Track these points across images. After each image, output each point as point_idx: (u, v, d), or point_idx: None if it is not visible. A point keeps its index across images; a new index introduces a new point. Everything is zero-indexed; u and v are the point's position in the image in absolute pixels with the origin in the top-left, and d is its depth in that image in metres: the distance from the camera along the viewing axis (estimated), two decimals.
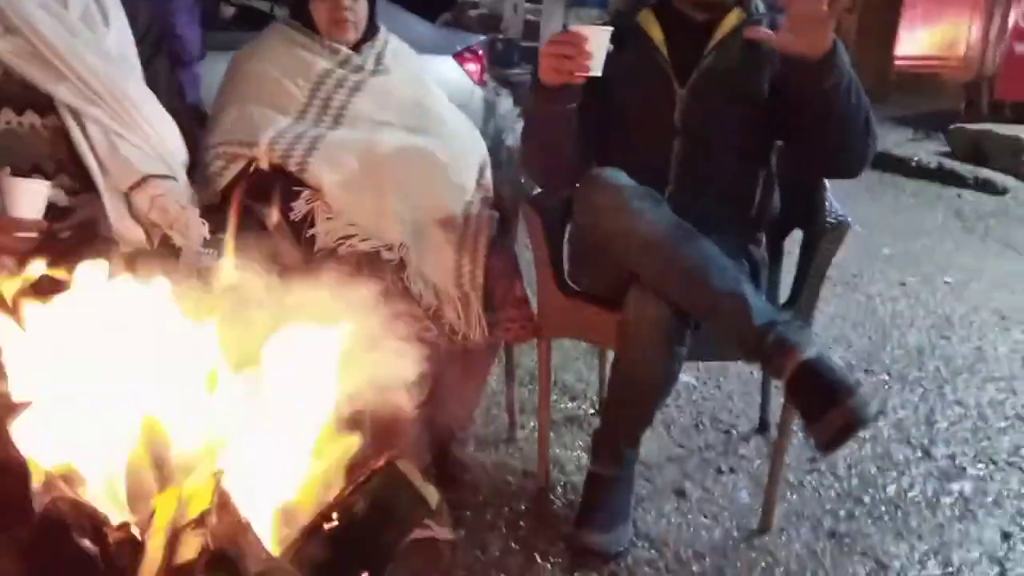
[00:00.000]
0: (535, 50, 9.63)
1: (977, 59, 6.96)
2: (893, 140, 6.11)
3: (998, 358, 2.91)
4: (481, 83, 4.97)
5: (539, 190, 1.95)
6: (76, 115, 1.67)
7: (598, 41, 1.52)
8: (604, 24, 1.60)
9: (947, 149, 5.71)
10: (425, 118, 2.06)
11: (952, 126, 5.71)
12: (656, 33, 1.78)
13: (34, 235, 1.54)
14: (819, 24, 1.47)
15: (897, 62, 8.13)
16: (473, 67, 4.88)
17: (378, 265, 1.79)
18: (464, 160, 2.05)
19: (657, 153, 1.76)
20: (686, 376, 2.61)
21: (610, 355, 1.88)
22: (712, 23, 1.77)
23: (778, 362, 1.50)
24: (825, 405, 1.45)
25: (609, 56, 1.55)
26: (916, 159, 5.56)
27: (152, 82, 1.82)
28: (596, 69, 1.54)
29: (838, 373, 1.48)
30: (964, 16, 7.44)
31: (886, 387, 2.66)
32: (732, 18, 1.76)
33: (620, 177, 1.64)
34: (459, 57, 4.81)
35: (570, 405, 2.46)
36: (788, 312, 1.58)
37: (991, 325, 3.22)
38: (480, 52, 4.96)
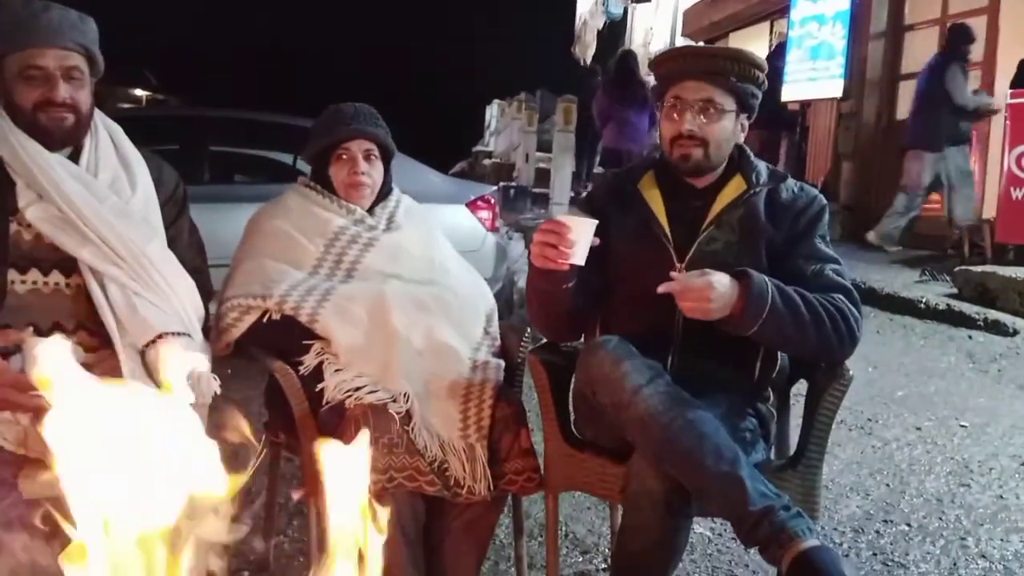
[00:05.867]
0: (546, 196, 9.92)
1: (978, 203, 7.13)
2: (901, 282, 6.17)
3: (1021, 507, 2.83)
4: (493, 229, 5.14)
5: (544, 340, 1.99)
6: (98, 275, 1.74)
7: (581, 232, 1.61)
8: (591, 212, 1.69)
9: (954, 290, 5.75)
10: (433, 270, 2.13)
11: (958, 268, 5.77)
12: (656, 203, 1.84)
13: None
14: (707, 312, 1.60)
15: None
16: (485, 215, 5.07)
17: (384, 418, 1.80)
18: (470, 309, 2.11)
19: (661, 318, 1.79)
20: (701, 528, 2.55)
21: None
22: (713, 188, 1.84)
23: (774, 551, 1.47)
24: None
25: (611, 221, 1.62)
26: (924, 300, 5.59)
27: (174, 241, 1.91)
28: (578, 258, 1.62)
29: (836, 566, 1.42)
30: None
31: (906, 538, 2.59)
32: (732, 188, 1.83)
33: (620, 348, 1.66)
34: (472, 205, 5.00)
35: (581, 559, 2.39)
36: (786, 495, 1.55)
37: (1011, 472, 3.15)
38: (492, 200, 5.15)
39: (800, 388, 1.99)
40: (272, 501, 2.29)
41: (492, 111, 18.74)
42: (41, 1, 1.73)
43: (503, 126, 16.69)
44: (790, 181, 1.87)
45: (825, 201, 1.87)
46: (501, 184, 12.42)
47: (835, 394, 1.72)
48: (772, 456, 1.90)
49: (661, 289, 1.62)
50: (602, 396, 1.64)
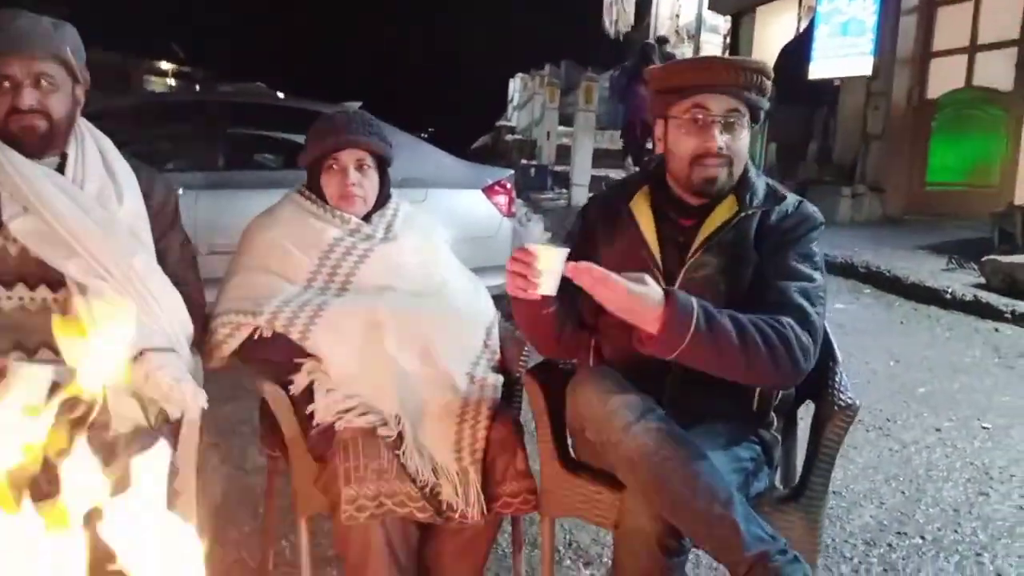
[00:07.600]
0: (567, 175, 9.90)
1: (1009, 188, 6.93)
2: (927, 270, 6.02)
3: None
4: (510, 215, 5.06)
5: (541, 358, 1.93)
6: (83, 290, 1.70)
7: (549, 262, 1.51)
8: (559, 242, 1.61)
9: (981, 280, 5.59)
10: (430, 281, 2.07)
11: (985, 257, 5.61)
12: (647, 224, 1.74)
13: None
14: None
15: (927, 188, 8.13)
16: (502, 200, 4.99)
17: (373, 442, 1.76)
18: (469, 321, 2.05)
19: None
20: None
21: None
22: (707, 208, 1.73)
23: None
24: None
25: (601, 241, 1.53)
26: (950, 291, 5.45)
27: (164, 254, 1.87)
28: (547, 288, 1.53)
29: None
30: (995, 144, 7.47)
31: (920, 553, 2.51)
32: (723, 209, 1.72)
33: (609, 382, 1.59)
34: (488, 191, 4.93)
35: (584, 571, 2.35)
36: (783, 539, 1.47)
37: None
38: (508, 185, 5.07)
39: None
40: (271, 509, 2.26)
41: (515, 85, 18.54)
42: (13, 11, 1.70)
43: (525, 100, 16.52)
44: (790, 200, 1.75)
45: (820, 219, 1.75)
46: (522, 162, 12.31)
47: (839, 427, 1.65)
48: (777, 482, 1.83)
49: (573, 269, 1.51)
50: (592, 433, 1.58)
